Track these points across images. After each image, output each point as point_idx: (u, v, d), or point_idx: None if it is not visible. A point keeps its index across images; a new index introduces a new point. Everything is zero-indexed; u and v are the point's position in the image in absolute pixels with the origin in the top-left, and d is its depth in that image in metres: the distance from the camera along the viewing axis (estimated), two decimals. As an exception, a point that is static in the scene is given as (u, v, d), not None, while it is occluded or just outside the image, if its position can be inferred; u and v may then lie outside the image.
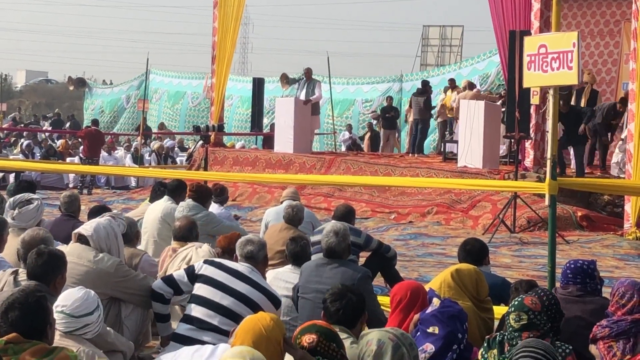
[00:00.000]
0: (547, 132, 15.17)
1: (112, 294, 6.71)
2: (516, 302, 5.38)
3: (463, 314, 5.64)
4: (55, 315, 5.22)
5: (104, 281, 6.63)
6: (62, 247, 6.76)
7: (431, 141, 28.33)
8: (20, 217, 8.13)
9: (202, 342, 6.15)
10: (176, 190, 10.42)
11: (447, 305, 5.65)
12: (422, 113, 23.22)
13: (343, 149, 29.58)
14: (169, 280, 6.73)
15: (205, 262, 6.68)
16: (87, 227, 6.90)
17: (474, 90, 22.24)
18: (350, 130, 32.11)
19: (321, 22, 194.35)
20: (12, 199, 8.34)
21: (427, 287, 6.58)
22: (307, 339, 4.74)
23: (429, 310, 5.73)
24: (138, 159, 27.14)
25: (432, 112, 23.82)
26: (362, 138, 31.29)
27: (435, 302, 5.70)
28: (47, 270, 5.79)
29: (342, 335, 5.18)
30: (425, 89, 23.65)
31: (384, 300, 7.40)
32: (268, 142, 26.39)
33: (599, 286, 6.45)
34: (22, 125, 40.00)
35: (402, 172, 18.24)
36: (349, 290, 5.58)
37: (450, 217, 16.26)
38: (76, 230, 6.97)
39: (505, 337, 5.41)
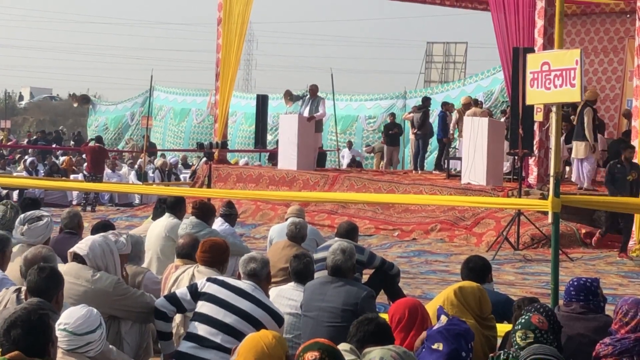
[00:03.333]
0: (551, 149, 15.19)
1: (111, 312, 6.66)
2: (523, 320, 5.37)
3: (469, 333, 5.62)
4: (58, 333, 5.20)
5: (103, 300, 6.58)
6: (60, 267, 6.74)
7: (434, 158, 28.34)
8: (29, 233, 8.16)
9: (205, 360, 6.16)
10: (175, 205, 10.42)
11: (454, 323, 5.63)
12: (421, 129, 23.23)
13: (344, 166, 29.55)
14: (172, 298, 6.72)
15: (209, 279, 6.67)
16: (82, 246, 6.83)
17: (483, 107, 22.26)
18: (350, 146, 32.08)
19: (325, 39, 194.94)
20: (22, 215, 8.38)
21: (430, 305, 6.57)
22: (310, 357, 4.72)
23: (436, 326, 5.72)
24: (142, 176, 27.17)
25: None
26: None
27: (443, 319, 5.69)
28: (49, 285, 5.76)
29: (350, 357, 5.17)
30: (424, 105, 23.67)
31: (386, 317, 7.38)
32: (274, 158, 26.52)
33: (601, 304, 6.44)
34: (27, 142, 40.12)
35: (406, 189, 18.25)
36: (376, 318, 5.63)
37: (453, 234, 16.26)
38: (71, 250, 6.92)
39: (510, 355, 5.40)
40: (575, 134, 17.62)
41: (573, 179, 18.20)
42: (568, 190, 16.21)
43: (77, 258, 6.81)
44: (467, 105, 21.74)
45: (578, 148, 17.41)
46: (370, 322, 5.55)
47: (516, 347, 5.33)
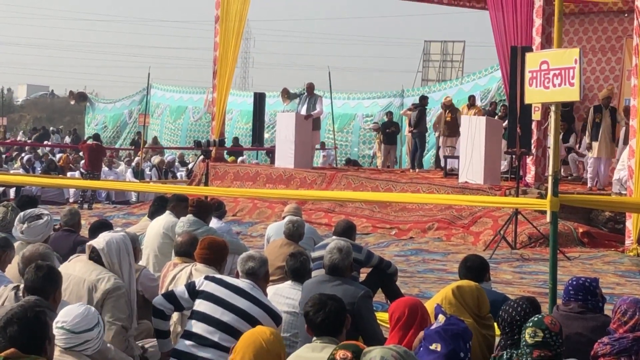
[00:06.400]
0: (549, 148, 15.19)
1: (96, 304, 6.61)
2: (536, 319, 5.38)
3: (467, 333, 5.60)
4: (55, 331, 5.19)
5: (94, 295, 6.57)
6: (76, 264, 6.76)
7: (431, 156, 28.32)
8: (29, 231, 8.16)
9: (202, 359, 6.14)
10: (176, 204, 10.40)
11: (452, 323, 5.61)
12: (417, 127, 23.25)
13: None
14: (169, 296, 6.71)
15: (206, 278, 6.66)
16: (100, 240, 6.85)
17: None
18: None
19: (323, 37, 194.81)
20: (22, 213, 8.37)
21: (428, 304, 6.55)
22: (342, 354, 4.70)
23: (434, 326, 5.70)
24: (139, 174, 27.13)
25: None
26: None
27: (441, 318, 5.67)
28: (46, 284, 5.76)
29: (331, 348, 5.16)
30: (420, 103, 23.69)
31: (384, 316, 7.38)
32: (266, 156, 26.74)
33: (600, 304, 6.43)
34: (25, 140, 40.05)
35: (403, 188, 18.22)
36: (328, 298, 5.62)
37: (451, 233, 16.24)
38: (90, 243, 6.94)
39: (515, 354, 5.38)
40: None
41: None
42: (565, 190, 16.21)
43: (94, 252, 6.79)
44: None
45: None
46: (320, 325, 5.56)
47: (524, 344, 5.32)
